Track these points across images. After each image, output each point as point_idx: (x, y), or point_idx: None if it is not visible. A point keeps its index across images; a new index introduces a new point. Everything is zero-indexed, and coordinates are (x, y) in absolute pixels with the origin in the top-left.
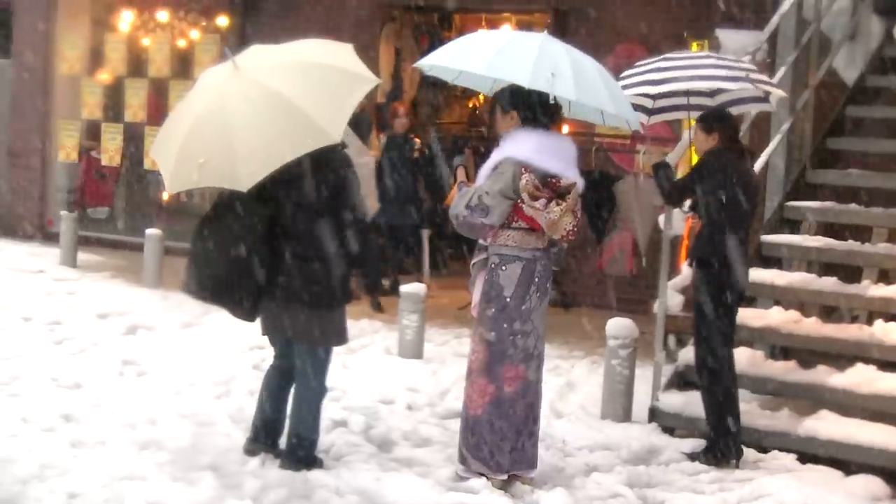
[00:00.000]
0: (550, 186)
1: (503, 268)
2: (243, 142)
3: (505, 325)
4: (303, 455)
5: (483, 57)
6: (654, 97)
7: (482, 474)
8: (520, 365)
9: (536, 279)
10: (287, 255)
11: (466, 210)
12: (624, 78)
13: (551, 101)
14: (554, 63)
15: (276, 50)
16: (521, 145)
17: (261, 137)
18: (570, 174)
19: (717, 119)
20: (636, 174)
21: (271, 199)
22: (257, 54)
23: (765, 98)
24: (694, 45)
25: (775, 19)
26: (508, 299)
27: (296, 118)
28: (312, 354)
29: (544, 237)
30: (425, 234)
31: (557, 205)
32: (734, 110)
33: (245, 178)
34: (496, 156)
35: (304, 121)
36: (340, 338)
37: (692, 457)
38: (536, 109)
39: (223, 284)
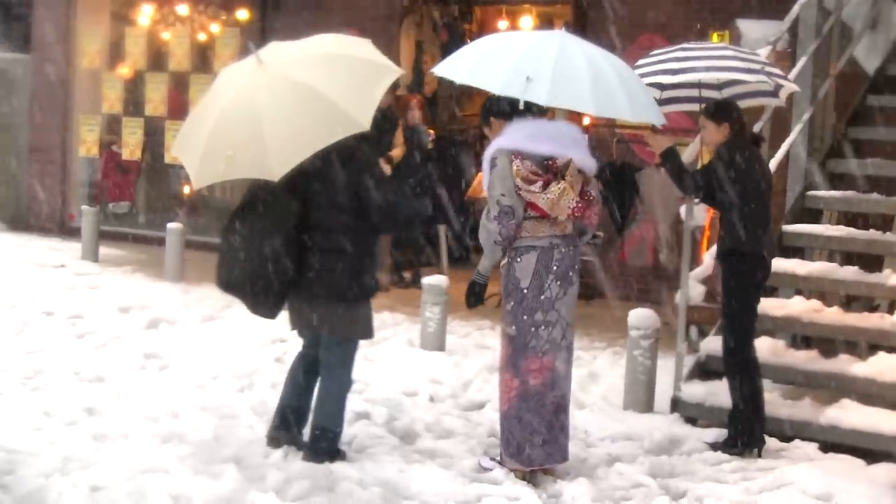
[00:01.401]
0: (550, 169)
1: (518, 259)
2: (273, 133)
3: (525, 318)
4: (326, 447)
5: (465, 65)
6: (663, 88)
7: (512, 469)
8: (545, 356)
9: (555, 267)
10: (313, 250)
11: (496, 225)
12: (640, 66)
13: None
14: (535, 65)
15: (296, 45)
16: (511, 135)
17: (290, 127)
18: (570, 153)
19: (726, 109)
20: (657, 165)
21: (300, 193)
22: (278, 49)
23: (774, 92)
24: (714, 37)
25: (796, 9)
26: (525, 290)
27: (324, 107)
28: (338, 347)
29: (562, 223)
30: (441, 229)
31: (557, 184)
32: (743, 104)
33: (277, 167)
34: (490, 149)
35: (332, 109)
36: (366, 331)
37: (714, 447)
38: (514, 104)
39: (251, 279)
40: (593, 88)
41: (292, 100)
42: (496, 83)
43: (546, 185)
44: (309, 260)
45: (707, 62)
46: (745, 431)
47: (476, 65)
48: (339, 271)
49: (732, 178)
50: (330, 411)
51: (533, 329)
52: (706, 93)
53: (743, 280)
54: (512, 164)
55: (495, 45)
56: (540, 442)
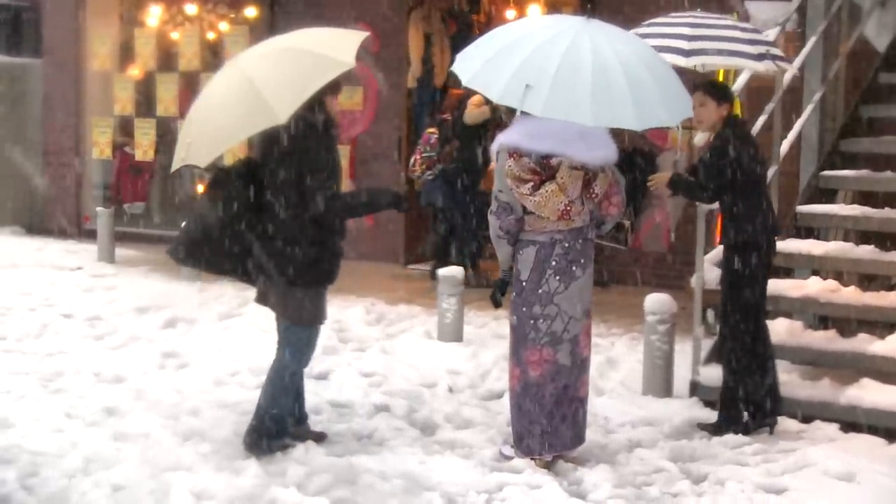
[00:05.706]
0: (547, 167)
1: (520, 252)
2: (213, 122)
3: (524, 309)
4: (255, 424)
5: (474, 64)
6: (689, 38)
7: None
8: (545, 349)
9: (553, 262)
10: (267, 233)
11: (495, 220)
12: (654, 24)
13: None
14: (537, 71)
15: (278, 38)
16: (513, 130)
17: (224, 117)
18: (573, 150)
19: (726, 88)
20: (670, 150)
21: (255, 179)
22: (265, 43)
23: (757, 57)
24: None
25: None
26: (524, 283)
27: (252, 99)
28: (285, 330)
29: (571, 218)
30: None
31: (548, 186)
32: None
33: (204, 155)
34: (493, 144)
35: (257, 101)
36: (312, 318)
37: (701, 426)
38: None
39: (200, 249)
40: (594, 98)
41: (234, 91)
42: (496, 90)
43: (537, 187)
44: (264, 242)
45: (718, 44)
46: (728, 412)
47: (483, 65)
48: (288, 256)
49: (744, 164)
50: (266, 389)
51: (531, 321)
52: (729, 45)
53: (753, 266)
54: (506, 164)
55: (505, 43)
56: (539, 432)
